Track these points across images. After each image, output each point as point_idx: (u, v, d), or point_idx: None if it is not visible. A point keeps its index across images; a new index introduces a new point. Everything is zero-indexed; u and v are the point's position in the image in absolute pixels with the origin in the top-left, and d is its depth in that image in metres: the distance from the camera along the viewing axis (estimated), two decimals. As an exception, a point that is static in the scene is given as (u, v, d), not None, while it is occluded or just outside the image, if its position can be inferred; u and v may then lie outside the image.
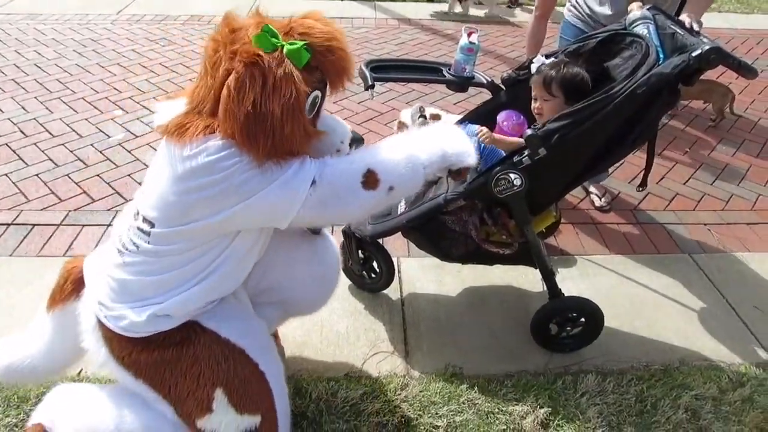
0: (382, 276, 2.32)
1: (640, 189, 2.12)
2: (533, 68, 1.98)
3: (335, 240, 1.88)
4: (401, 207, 2.10)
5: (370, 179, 1.40)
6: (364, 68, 2.04)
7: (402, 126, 2.97)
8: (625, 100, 1.69)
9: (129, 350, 1.43)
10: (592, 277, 2.57)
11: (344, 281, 2.44)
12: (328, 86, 1.42)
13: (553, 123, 1.74)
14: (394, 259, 2.32)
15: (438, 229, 2.00)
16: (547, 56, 2.02)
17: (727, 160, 3.63)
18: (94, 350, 1.49)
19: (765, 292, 2.53)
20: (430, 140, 1.52)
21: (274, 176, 1.30)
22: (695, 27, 1.93)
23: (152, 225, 1.37)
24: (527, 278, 2.49)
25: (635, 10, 2.03)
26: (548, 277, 2.07)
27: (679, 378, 2.06)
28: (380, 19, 6.01)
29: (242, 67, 1.21)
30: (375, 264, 2.33)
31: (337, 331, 2.21)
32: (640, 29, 1.95)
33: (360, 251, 2.28)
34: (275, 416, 1.52)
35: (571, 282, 2.51)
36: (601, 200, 3.05)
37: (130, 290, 1.43)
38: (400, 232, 2.11)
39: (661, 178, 3.33)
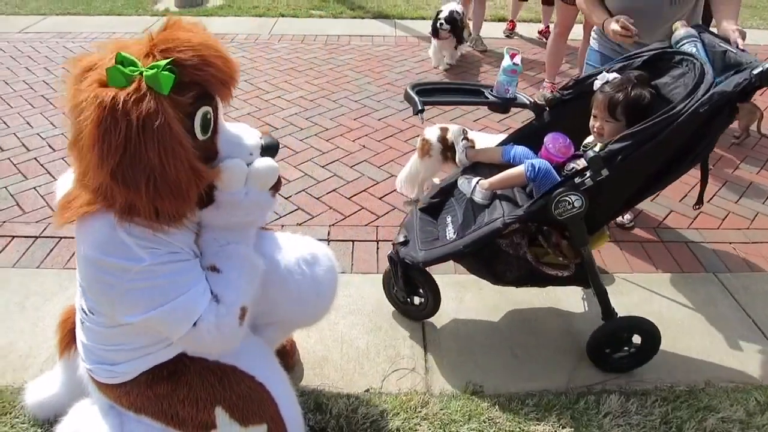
0: (427, 304, 2.27)
1: (697, 207, 2.11)
2: (597, 84, 1.97)
3: (329, 249, 1.78)
4: (450, 232, 2.07)
5: (242, 315, 1.39)
6: (411, 92, 2.03)
7: (426, 144, 2.98)
8: (688, 118, 1.69)
9: (122, 395, 1.46)
10: (614, 295, 2.50)
11: (359, 294, 2.45)
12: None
13: (616, 144, 1.73)
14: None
15: (493, 252, 1.96)
16: (608, 71, 2.01)
17: (752, 177, 3.57)
18: (95, 398, 1.54)
19: (793, 313, 2.48)
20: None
21: (159, 299, 1.25)
22: (740, 43, 1.94)
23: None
24: (548, 296, 2.47)
25: (680, 29, 2.03)
26: (603, 297, 2.05)
27: (705, 400, 2.02)
28: (400, 36, 6.06)
29: (98, 114, 1.06)
30: (421, 291, 2.27)
31: (358, 347, 2.21)
32: (688, 47, 1.96)
33: (406, 278, 2.21)
34: (282, 423, 1.54)
35: (592, 301, 2.48)
36: (624, 217, 3.03)
37: (94, 354, 1.46)
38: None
39: (684, 196, 3.29)
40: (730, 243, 2.94)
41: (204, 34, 1.22)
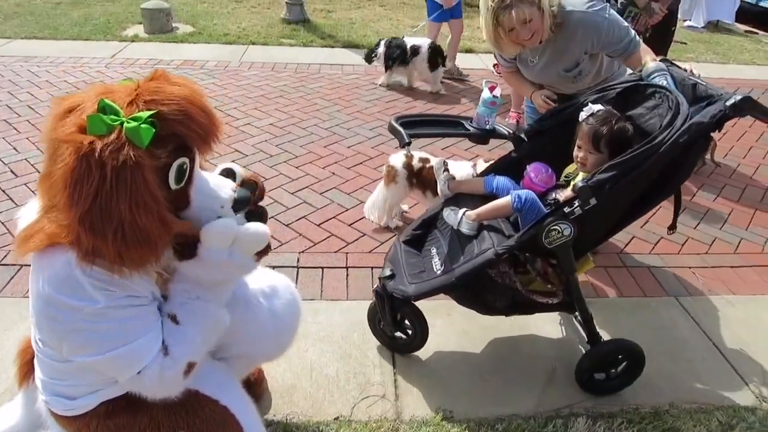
0: (415, 337, 2.26)
1: (671, 232, 2.19)
2: (582, 116, 2.04)
3: (291, 282, 1.78)
4: (436, 264, 2.07)
5: (188, 369, 1.36)
6: (396, 125, 2.06)
7: (391, 170, 3.02)
8: (669, 148, 1.78)
9: (82, 427, 1.43)
10: (580, 319, 2.58)
11: (328, 321, 2.44)
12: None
13: (603, 174, 1.80)
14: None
15: (483, 282, 1.97)
16: (594, 102, 2.09)
17: (709, 204, 3.71)
18: (54, 430, 1.50)
19: (750, 335, 2.56)
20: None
21: (108, 343, 1.23)
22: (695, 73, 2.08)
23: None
24: (516, 321, 2.49)
25: (649, 63, 2.14)
26: (589, 323, 2.09)
27: (670, 421, 2.06)
28: (369, 65, 6.15)
29: (74, 159, 1.06)
30: (408, 325, 2.26)
31: (327, 375, 2.20)
32: (659, 80, 2.06)
33: (393, 312, 2.19)
34: None
35: (558, 325, 2.52)
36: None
37: (49, 388, 1.43)
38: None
39: (645, 222, 3.39)
40: (690, 268, 3.04)
41: (190, 88, 1.23)
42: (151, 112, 1.13)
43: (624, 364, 2.16)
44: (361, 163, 3.96)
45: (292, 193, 3.51)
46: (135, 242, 1.13)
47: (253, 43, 6.71)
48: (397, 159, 3.02)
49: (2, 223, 3.05)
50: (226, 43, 6.66)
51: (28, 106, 4.60)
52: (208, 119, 1.23)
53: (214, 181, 1.37)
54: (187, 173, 1.26)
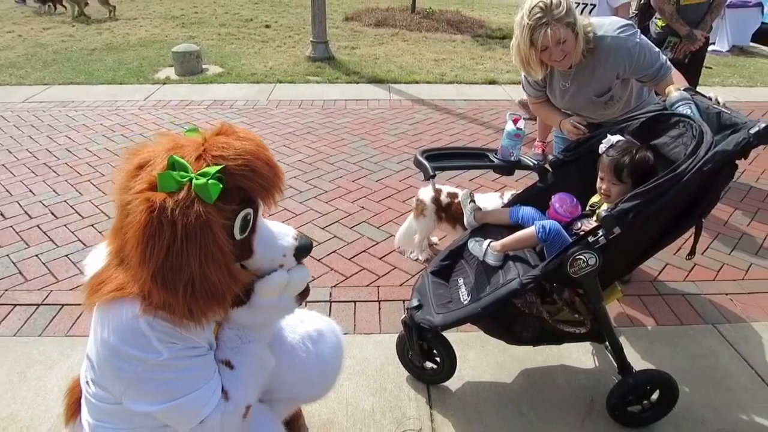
0: (443, 368, 2.27)
1: (690, 257, 2.16)
2: (602, 148, 2.07)
3: (336, 325, 1.81)
4: (463, 294, 2.08)
5: (246, 412, 1.40)
6: (421, 158, 2.11)
7: (420, 204, 3.06)
8: (693, 177, 1.78)
9: None
10: (616, 349, 2.55)
11: (362, 355, 2.45)
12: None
13: (626, 203, 1.80)
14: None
15: (510, 313, 1.97)
16: (613, 133, 2.11)
17: (743, 229, 3.65)
18: None
19: (794, 363, 2.49)
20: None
21: (170, 393, 1.27)
22: (721, 101, 2.09)
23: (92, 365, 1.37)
24: (551, 352, 2.48)
25: (673, 92, 2.16)
26: (619, 352, 2.07)
27: (714, 454, 2.01)
28: (394, 100, 6.26)
29: (146, 217, 1.10)
30: (436, 355, 2.28)
31: (363, 409, 2.20)
32: (683, 109, 2.07)
33: (421, 342, 2.21)
34: None
35: (591, 356, 2.49)
36: (620, 272, 3.06)
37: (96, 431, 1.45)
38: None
39: (678, 249, 3.34)
40: (727, 294, 2.98)
41: (255, 143, 1.26)
42: (219, 167, 1.17)
43: (656, 395, 2.11)
44: (389, 196, 4.01)
45: (323, 228, 3.56)
46: (204, 296, 1.16)
47: (280, 82, 6.89)
48: (426, 193, 3.06)
49: (44, 263, 3.15)
50: (254, 82, 6.85)
51: (66, 149, 4.78)
52: (271, 172, 1.27)
53: (276, 229, 1.40)
54: (252, 222, 1.29)
